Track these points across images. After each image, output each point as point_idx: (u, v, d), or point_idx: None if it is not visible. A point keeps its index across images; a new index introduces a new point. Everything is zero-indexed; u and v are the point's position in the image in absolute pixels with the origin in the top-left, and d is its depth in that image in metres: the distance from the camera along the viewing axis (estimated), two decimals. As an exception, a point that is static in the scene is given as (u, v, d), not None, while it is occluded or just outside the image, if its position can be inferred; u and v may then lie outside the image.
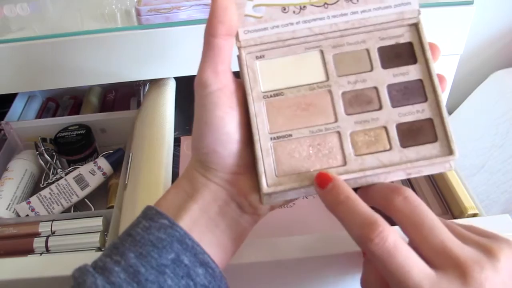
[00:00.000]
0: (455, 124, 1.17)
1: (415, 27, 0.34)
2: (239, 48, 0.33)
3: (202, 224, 0.32)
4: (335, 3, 0.33)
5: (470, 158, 1.07)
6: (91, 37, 0.59)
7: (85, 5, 0.68)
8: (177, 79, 0.68)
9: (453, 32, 0.62)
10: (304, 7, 0.33)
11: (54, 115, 0.84)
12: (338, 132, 0.32)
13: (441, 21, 0.61)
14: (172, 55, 0.61)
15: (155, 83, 0.67)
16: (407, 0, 0.33)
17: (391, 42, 0.34)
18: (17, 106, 0.80)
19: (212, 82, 0.31)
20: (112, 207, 0.59)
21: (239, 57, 0.34)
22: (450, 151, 0.32)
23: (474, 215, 0.42)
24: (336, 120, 0.33)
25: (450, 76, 0.70)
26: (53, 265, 0.40)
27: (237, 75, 0.34)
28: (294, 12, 0.33)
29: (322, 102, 0.33)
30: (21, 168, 0.64)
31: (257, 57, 0.33)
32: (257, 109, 0.33)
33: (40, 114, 0.82)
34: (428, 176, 0.48)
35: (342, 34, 0.34)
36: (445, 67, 0.68)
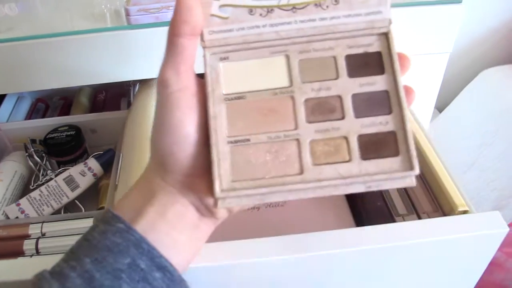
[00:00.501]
0: (445, 123, 1.18)
1: (385, 36, 0.33)
2: (203, 48, 0.32)
3: (159, 228, 0.32)
4: (303, 7, 0.32)
5: (460, 156, 1.08)
6: (80, 37, 0.59)
7: (74, 5, 0.68)
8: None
9: (442, 31, 0.63)
10: (272, 10, 0.32)
11: (43, 116, 0.83)
12: (297, 140, 0.32)
13: (430, 19, 0.61)
14: (162, 55, 0.60)
15: (145, 83, 0.67)
16: (377, 9, 0.32)
17: (360, 50, 0.33)
18: (6, 107, 0.79)
19: (173, 82, 0.30)
20: (103, 208, 0.59)
21: (204, 59, 0.33)
22: (410, 166, 0.31)
23: (464, 212, 0.42)
24: (296, 128, 0.32)
25: (440, 74, 0.70)
26: (43, 267, 0.39)
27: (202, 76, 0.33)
28: (261, 14, 0.32)
29: (284, 108, 0.32)
30: (10, 169, 0.64)
31: (221, 59, 0.33)
32: (217, 111, 0.32)
33: (30, 115, 0.82)
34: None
35: (309, 39, 0.33)
36: (434, 65, 0.68)
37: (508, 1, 1.09)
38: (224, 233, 0.36)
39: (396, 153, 0.31)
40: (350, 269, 0.41)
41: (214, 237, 0.36)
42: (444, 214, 0.44)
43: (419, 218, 0.44)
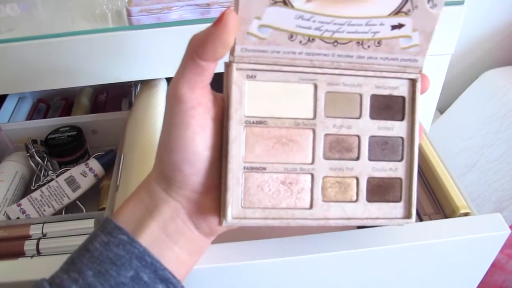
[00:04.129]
0: (447, 124, 1.18)
1: (412, 83, 0.33)
2: (231, 62, 0.31)
3: (161, 242, 0.31)
4: (345, 43, 0.31)
5: (461, 157, 1.08)
6: (81, 37, 0.59)
7: (75, 6, 0.68)
8: (168, 80, 0.68)
9: (444, 32, 0.63)
10: (313, 40, 0.31)
11: (45, 117, 0.83)
12: (312, 175, 0.32)
13: (432, 21, 0.61)
14: (163, 55, 0.60)
15: (147, 84, 0.67)
16: (415, 57, 0.32)
17: (385, 92, 0.33)
18: (7, 108, 0.79)
19: (188, 98, 0.29)
20: (103, 208, 0.59)
21: (229, 72, 0.31)
22: (408, 214, 0.33)
23: (466, 214, 0.42)
24: (312, 162, 0.32)
25: (442, 75, 0.70)
26: (44, 267, 0.40)
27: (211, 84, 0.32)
28: (300, 42, 0.31)
29: (304, 140, 0.32)
30: (11, 170, 0.64)
31: (248, 76, 0.31)
32: (236, 134, 0.31)
33: (31, 116, 0.82)
34: (420, 175, 0.49)
35: (341, 72, 0.32)
36: (436, 67, 0.68)
37: (510, 2, 1.08)
38: (225, 234, 0.36)
39: (398, 199, 0.33)
40: (352, 271, 0.41)
41: (216, 239, 0.35)
42: (446, 216, 0.44)
43: (421, 220, 0.44)
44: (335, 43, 0.31)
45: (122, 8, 0.64)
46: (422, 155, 0.49)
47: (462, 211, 0.42)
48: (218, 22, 0.27)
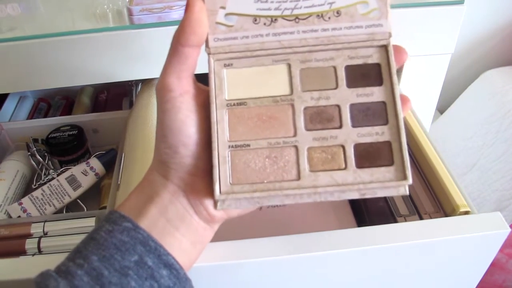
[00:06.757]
0: (447, 124, 1.18)
1: (385, 49, 0.34)
2: (208, 54, 0.34)
3: (161, 227, 0.32)
4: (306, 18, 0.33)
5: (461, 157, 1.08)
6: (82, 37, 0.59)
7: (76, 5, 0.68)
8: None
9: (444, 32, 0.63)
10: (276, 20, 0.33)
11: (45, 116, 0.83)
12: (296, 147, 0.33)
13: (432, 20, 0.61)
14: (164, 54, 0.60)
15: (147, 83, 0.67)
16: (378, 22, 0.33)
17: (359, 61, 0.34)
18: (8, 107, 0.79)
19: (175, 87, 0.32)
20: (104, 207, 0.59)
21: (208, 64, 0.34)
22: (404, 176, 0.32)
23: (466, 212, 0.42)
24: (295, 135, 0.33)
25: (441, 75, 0.70)
26: (45, 266, 0.40)
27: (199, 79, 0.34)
28: (265, 24, 0.33)
29: (284, 116, 0.33)
30: (12, 169, 0.64)
31: (225, 65, 0.34)
32: (219, 116, 0.33)
33: (32, 115, 0.82)
34: (420, 173, 0.49)
35: (311, 49, 0.34)
36: (436, 66, 0.68)
37: (510, 2, 1.09)
38: (225, 232, 0.36)
39: (390, 163, 0.32)
40: (351, 269, 0.41)
41: (216, 236, 0.36)
42: (446, 214, 0.44)
43: (421, 218, 0.44)
44: (297, 20, 0.33)
45: (123, 7, 0.64)
46: (422, 154, 0.49)
47: (462, 209, 0.42)
48: (187, 7, 0.31)
